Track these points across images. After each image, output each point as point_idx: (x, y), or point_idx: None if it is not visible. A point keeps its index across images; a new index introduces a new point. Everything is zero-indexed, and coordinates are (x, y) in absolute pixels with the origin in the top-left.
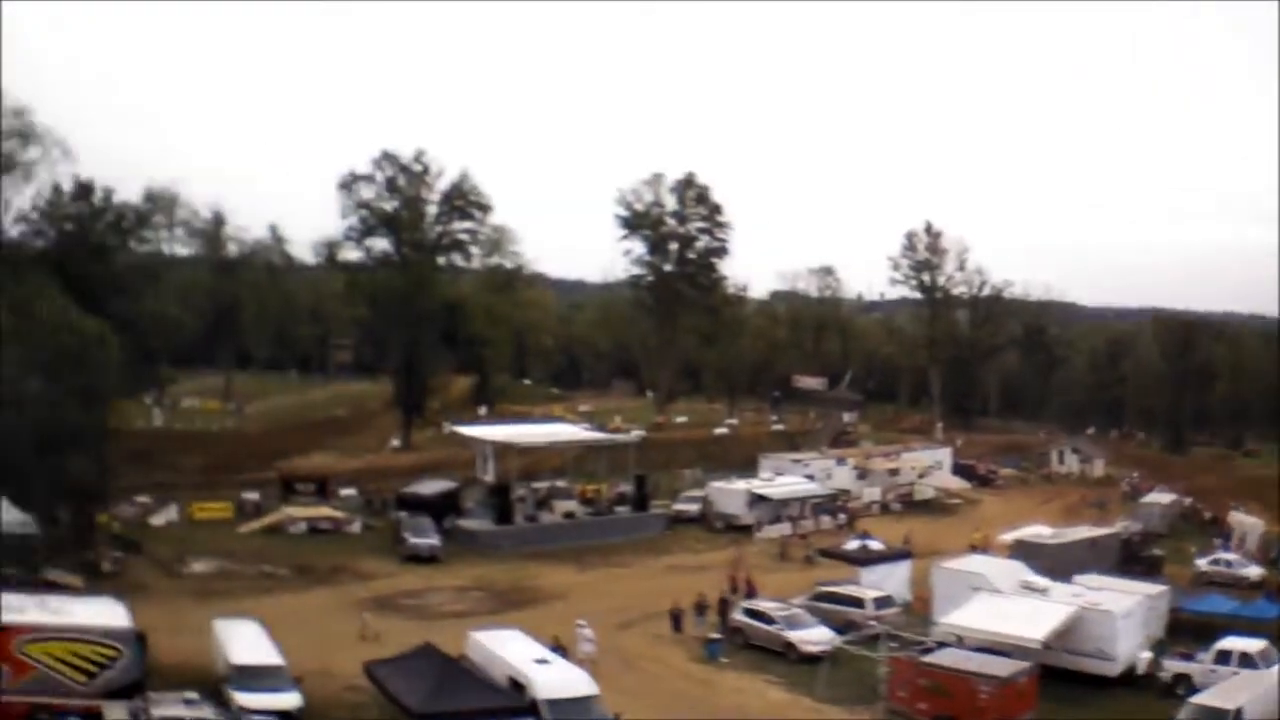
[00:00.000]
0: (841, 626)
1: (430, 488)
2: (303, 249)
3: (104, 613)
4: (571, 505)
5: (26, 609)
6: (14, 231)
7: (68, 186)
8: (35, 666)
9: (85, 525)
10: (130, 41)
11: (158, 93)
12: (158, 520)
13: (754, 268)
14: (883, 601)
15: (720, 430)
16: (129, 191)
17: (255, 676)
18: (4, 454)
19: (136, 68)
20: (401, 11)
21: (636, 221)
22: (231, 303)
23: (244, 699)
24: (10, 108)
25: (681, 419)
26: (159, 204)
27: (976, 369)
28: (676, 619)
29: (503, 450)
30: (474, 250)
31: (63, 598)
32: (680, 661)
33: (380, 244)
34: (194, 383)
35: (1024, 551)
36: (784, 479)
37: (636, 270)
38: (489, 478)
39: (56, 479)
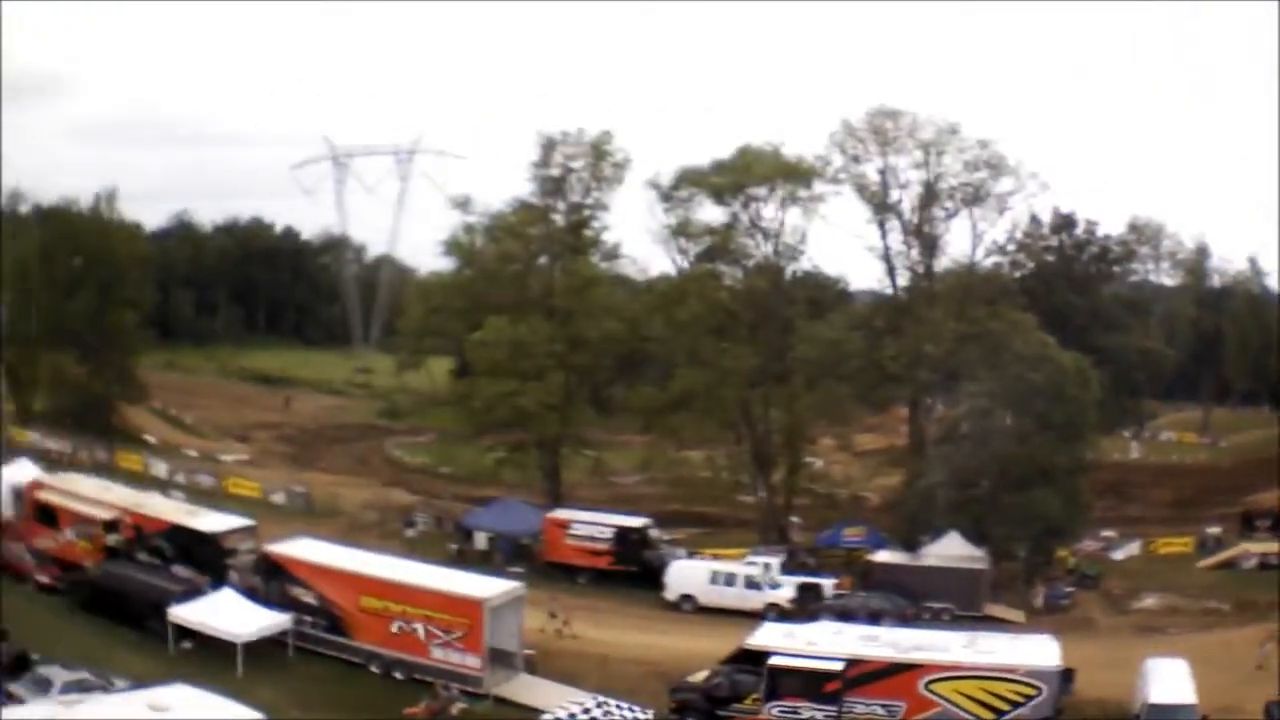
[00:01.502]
0: None
1: None
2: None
3: (1032, 650)
4: None
5: (950, 647)
6: (987, 263)
7: (1047, 219)
8: (938, 704)
9: (1042, 561)
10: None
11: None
12: (1119, 555)
13: None
14: None
15: None
16: (1113, 223)
17: (1166, 715)
18: (966, 488)
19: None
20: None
21: None
22: (1214, 335)
23: None
24: (976, 139)
25: None
26: (1143, 236)
27: None
28: None
29: None
30: None
31: (997, 635)
32: None
33: None
34: (1174, 415)
35: None
36: None
37: None
38: None
39: (1019, 514)
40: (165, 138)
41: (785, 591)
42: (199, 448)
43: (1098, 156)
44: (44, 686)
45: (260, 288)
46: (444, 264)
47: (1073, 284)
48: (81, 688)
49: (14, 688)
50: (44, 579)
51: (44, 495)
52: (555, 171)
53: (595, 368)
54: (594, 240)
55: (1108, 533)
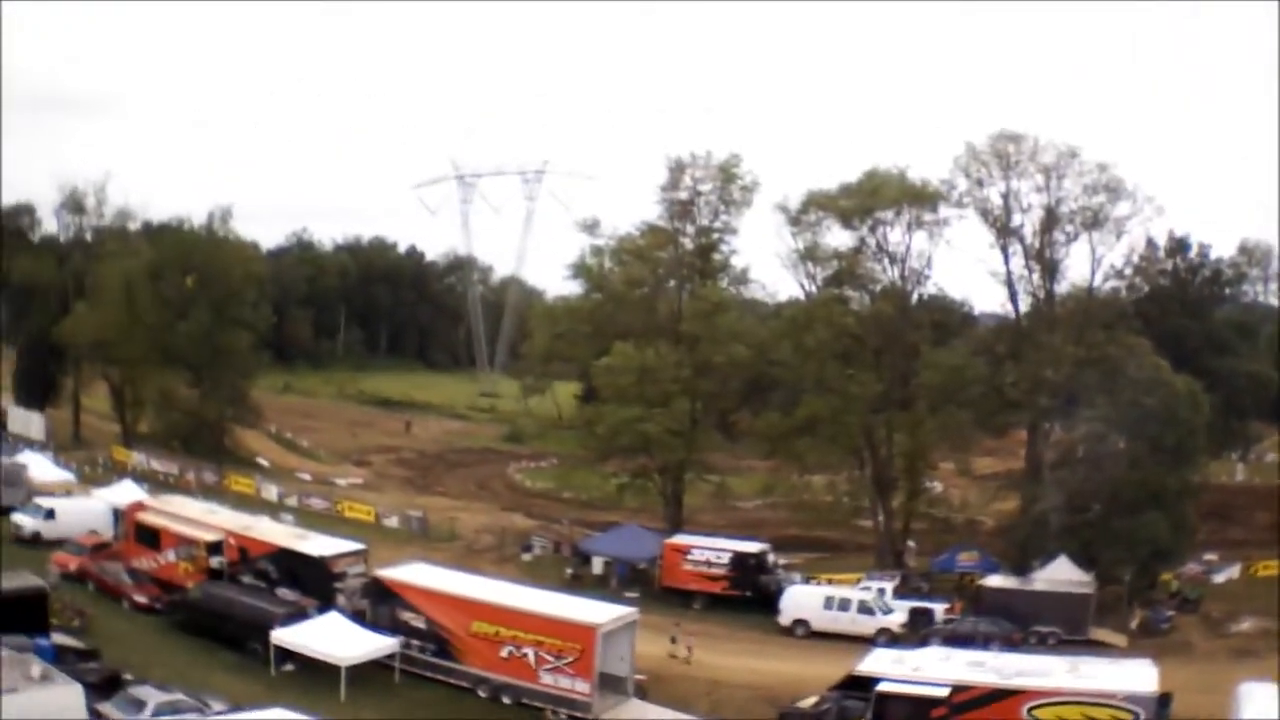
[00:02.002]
0: None
1: None
2: None
3: (1129, 675)
4: None
5: (1052, 672)
6: (1106, 287)
7: (1161, 242)
8: None
9: (1146, 585)
10: None
11: None
12: (1219, 578)
13: None
14: None
15: None
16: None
17: None
18: (1078, 512)
19: None
20: None
21: None
22: None
23: None
24: (1095, 163)
25: None
26: (1254, 257)
27: None
28: None
29: None
30: None
31: (1099, 659)
32: None
33: None
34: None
35: None
36: None
37: None
38: None
39: (1128, 538)
40: (284, 156)
41: (897, 617)
42: (313, 471)
43: (1207, 176)
44: (136, 707)
45: (382, 309)
46: (571, 287)
47: (1186, 307)
48: (175, 709)
49: (104, 708)
50: (141, 599)
51: (145, 517)
52: (684, 194)
53: (721, 394)
54: (722, 264)
55: (1210, 555)
